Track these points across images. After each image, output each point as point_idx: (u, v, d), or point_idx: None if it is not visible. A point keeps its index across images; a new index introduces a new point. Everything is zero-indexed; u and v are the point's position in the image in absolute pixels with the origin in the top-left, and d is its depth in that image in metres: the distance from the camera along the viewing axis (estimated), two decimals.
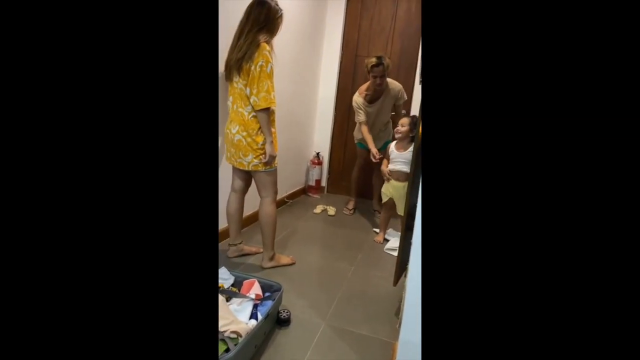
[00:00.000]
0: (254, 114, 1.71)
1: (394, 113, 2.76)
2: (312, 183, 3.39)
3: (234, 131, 1.75)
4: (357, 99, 2.62)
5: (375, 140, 2.65)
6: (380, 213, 2.81)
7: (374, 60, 2.44)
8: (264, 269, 1.92)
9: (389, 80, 2.62)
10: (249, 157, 1.76)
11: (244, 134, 1.73)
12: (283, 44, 2.42)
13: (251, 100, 1.68)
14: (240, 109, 1.73)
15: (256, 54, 1.62)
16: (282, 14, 1.75)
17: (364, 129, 2.62)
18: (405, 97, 2.71)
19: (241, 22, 1.71)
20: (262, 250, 2.00)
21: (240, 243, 2.03)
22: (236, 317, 1.29)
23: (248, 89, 1.67)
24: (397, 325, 1.45)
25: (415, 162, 1.72)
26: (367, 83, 2.62)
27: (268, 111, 1.69)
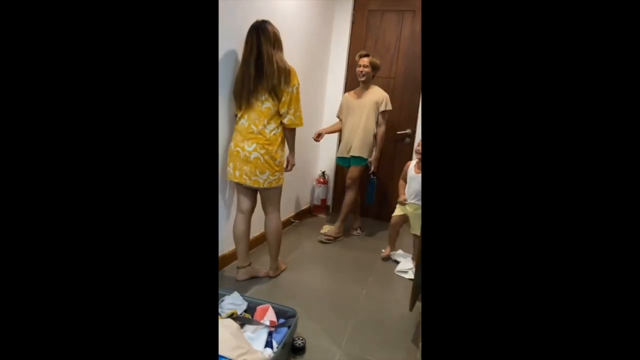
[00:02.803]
0: (276, 131, 1.79)
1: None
2: (318, 202, 3.35)
3: (249, 149, 1.76)
4: (345, 98, 2.79)
5: (349, 146, 2.71)
6: (357, 231, 2.92)
7: (361, 53, 2.65)
8: (271, 277, 2.05)
9: (376, 87, 2.72)
10: (266, 174, 1.80)
11: (263, 151, 1.77)
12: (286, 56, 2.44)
13: (286, 120, 1.80)
14: (261, 127, 1.77)
15: (291, 77, 1.75)
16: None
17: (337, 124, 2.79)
18: (390, 107, 2.70)
19: (248, 49, 1.75)
20: (271, 273, 2.05)
21: (249, 265, 1.99)
22: (251, 345, 1.24)
23: (283, 109, 1.78)
24: (418, 355, 1.40)
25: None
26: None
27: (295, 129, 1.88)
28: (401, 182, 2.39)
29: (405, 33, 3.14)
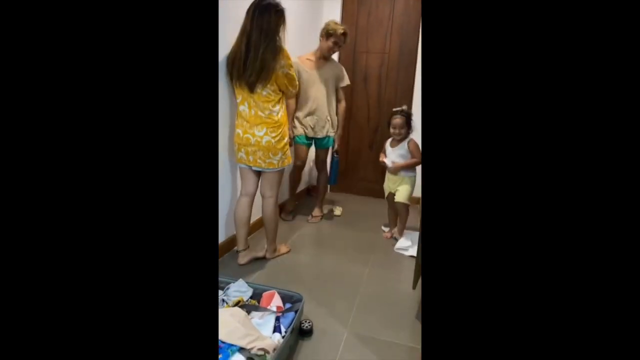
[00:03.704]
0: (282, 111, 1.85)
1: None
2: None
3: (260, 134, 1.80)
4: (297, 65, 2.33)
5: (310, 127, 2.50)
6: (319, 218, 2.76)
7: (343, 29, 2.35)
8: (268, 259, 2.06)
9: (333, 59, 2.55)
10: (279, 155, 1.86)
11: (274, 134, 1.81)
12: (283, 36, 2.36)
13: (290, 95, 1.95)
14: (267, 112, 1.80)
15: (283, 59, 1.75)
16: (284, 16, 1.75)
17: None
18: (348, 81, 2.59)
19: (242, 29, 1.72)
20: (267, 254, 2.08)
21: (247, 247, 2.01)
22: (260, 332, 1.26)
23: (288, 91, 1.87)
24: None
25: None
26: (312, 52, 2.48)
27: None
28: (381, 154, 2.46)
29: (398, 7, 3.05)
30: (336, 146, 2.67)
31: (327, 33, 2.36)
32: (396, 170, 2.33)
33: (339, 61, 3.26)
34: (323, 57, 2.47)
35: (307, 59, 2.46)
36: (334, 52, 2.47)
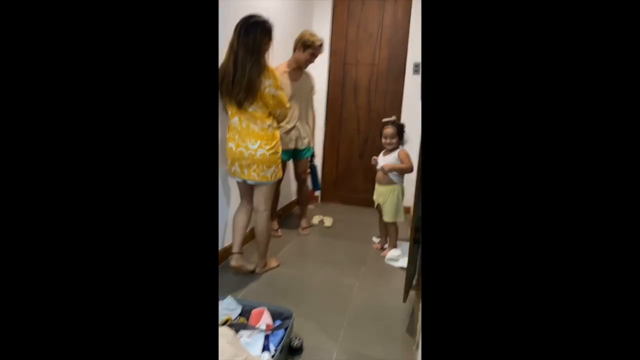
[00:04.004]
0: (273, 126, 1.85)
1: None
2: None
3: (254, 147, 1.79)
4: (282, 77, 2.25)
5: (293, 140, 2.45)
6: (309, 228, 2.74)
7: (320, 40, 2.31)
8: (258, 274, 2.04)
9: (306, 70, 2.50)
10: (272, 168, 1.87)
11: (267, 147, 1.81)
12: (269, 54, 2.38)
13: (279, 116, 1.89)
14: (260, 126, 1.80)
15: (269, 78, 1.75)
16: (271, 35, 1.77)
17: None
18: (316, 90, 2.60)
19: (230, 45, 1.73)
20: (258, 269, 2.06)
21: (242, 253, 2.00)
22: (249, 352, 1.24)
23: (275, 111, 1.84)
24: (414, 347, 1.42)
25: (419, 173, 1.70)
26: (287, 62, 2.40)
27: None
28: (374, 157, 2.44)
29: (387, 19, 3.10)
30: (314, 156, 2.70)
31: (303, 44, 2.28)
32: (386, 170, 2.29)
33: (328, 72, 3.29)
34: (299, 68, 2.41)
35: (284, 71, 2.36)
36: (310, 63, 2.41)
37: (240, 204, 2.01)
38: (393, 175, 2.33)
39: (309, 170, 2.76)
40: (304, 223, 2.76)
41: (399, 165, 2.28)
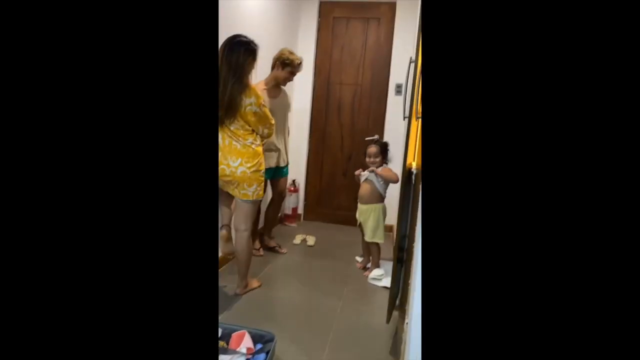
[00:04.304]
0: (256, 143, 1.84)
1: None
2: (289, 212, 3.32)
3: (235, 164, 1.78)
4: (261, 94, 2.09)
5: (275, 158, 2.43)
6: (261, 249, 2.61)
7: (300, 59, 2.33)
8: (237, 295, 1.98)
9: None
10: (254, 187, 1.84)
11: (249, 164, 1.79)
12: (254, 72, 2.39)
13: (264, 135, 1.88)
14: (241, 143, 1.79)
15: (249, 96, 1.75)
16: (255, 55, 1.78)
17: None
18: (291, 108, 2.60)
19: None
20: (238, 290, 2.00)
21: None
22: None
23: (257, 128, 1.83)
24: None
25: (402, 191, 1.71)
26: (265, 79, 2.37)
27: None
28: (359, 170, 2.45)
29: (370, 40, 3.17)
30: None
31: (283, 63, 2.28)
32: (378, 173, 2.29)
33: (313, 91, 3.32)
34: (277, 85, 2.40)
35: (262, 89, 2.30)
36: (289, 81, 2.42)
37: (222, 226, 1.96)
38: (375, 195, 2.34)
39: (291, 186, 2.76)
40: (272, 243, 2.67)
41: (387, 172, 2.29)
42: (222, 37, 1.75)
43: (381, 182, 2.32)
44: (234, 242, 1.96)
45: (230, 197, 1.92)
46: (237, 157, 1.78)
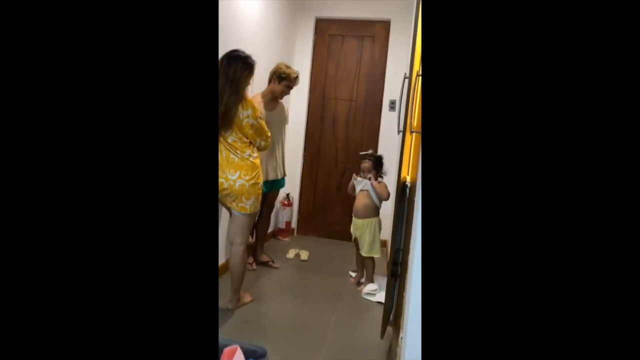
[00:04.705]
0: (254, 156, 1.84)
1: None
2: (282, 226, 3.29)
3: (234, 177, 1.78)
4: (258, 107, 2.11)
5: (272, 171, 2.44)
6: (254, 264, 2.56)
7: (296, 73, 2.36)
8: (230, 310, 1.95)
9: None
10: (252, 200, 1.84)
11: (247, 177, 1.79)
12: (250, 87, 2.41)
13: (261, 146, 1.89)
14: (239, 156, 1.80)
15: (246, 108, 1.77)
16: (252, 69, 1.81)
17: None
18: (288, 121, 2.62)
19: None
20: (230, 305, 1.97)
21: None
22: None
23: (254, 140, 1.84)
24: None
25: (397, 204, 1.71)
26: (262, 92, 2.39)
27: None
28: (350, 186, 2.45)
29: (365, 57, 3.24)
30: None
31: (279, 77, 2.30)
32: (373, 182, 2.28)
33: (308, 106, 3.35)
34: (274, 99, 2.42)
35: (259, 102, 2.32)
36: (286, 95, 2.44)
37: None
38: (370, 209, 2.33)
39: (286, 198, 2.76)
40: (264, 257, 2.64)
41: (380, 188, 2.29)
42: (221, 52, 1.78)
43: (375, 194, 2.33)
44: (228, 255, 1.94)
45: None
46: (235, 170, 1.79)
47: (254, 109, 1.79)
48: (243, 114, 1.75)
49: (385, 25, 3.16)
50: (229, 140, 1.79)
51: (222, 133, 1.78)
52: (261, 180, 1.88)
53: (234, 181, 1.78)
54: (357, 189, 2.38)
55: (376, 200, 2.34)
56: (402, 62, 2.97)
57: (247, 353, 1.39)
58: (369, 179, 2.31)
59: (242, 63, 1.75)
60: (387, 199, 2.31)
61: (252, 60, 1.80)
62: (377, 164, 2.35)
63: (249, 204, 1.84)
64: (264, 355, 1.38)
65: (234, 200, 1.82)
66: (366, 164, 2.33)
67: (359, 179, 2.37)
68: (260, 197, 1.90)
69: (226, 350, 1.37)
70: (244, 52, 1.80)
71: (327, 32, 3.28)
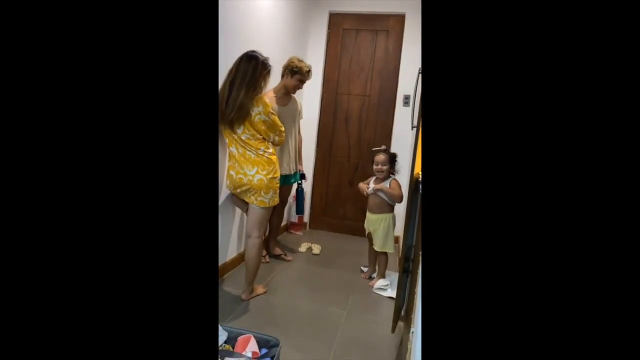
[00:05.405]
0: (269, 151, 1.88)
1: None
2: (295, 219, 3.33)
3: (252, 173, 1.83)
4: (270, 102, 2.09)
5: (286, 165, 2.47)
6: (267, 256, 2.60)
7: (308, 67, 2.36)
8: (243, 300, 1.99)
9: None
10: (270, 193, 1.89)
11: (265, 172, 1.84)
12: (263, 89, 2.44)
13: (276, 142, 1.94)
14: (255, 152, 1.84)
15: (258, 105, 1.80)
16: (269, 70, 1.84)
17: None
18: (302, 116, 2.62)
19: (228, 73, 1.80)
20: (244, 296, 2.00)
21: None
22: None
23: (267, 136, 1.89)
24: None
25: (409, 201, 1.72)
26: (275, 88, 2.40)
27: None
28: (362, 184, 2.44)
29: (379, 52, 3.22)
30: (305, 179, 2.73)
31: (292, 71, 2.31)
32: (376, 189, 2.29)
33: (321, 101, 3.36)
34: (287, 93, 2.43)
35: (272, 97, 2.35)
36: (299, 89, 2.44)
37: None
38: (384, 205, 2.33)
39: (296, 193, 2.77)
40: (277, 250, 2.69)
41: (389, 189, 2.28)
42: (233, 47, 1.81)
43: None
44: (244, 247, 1.98)
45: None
46: (252, 165, 1.84)
47: (264, 105, 1.82)
48: (254, 111, 1.79)
49: (400, 19, 3.13)
50: (243, 138, 1.83)
51: (235, 129, 1.81)
52: (278, 174, 1.92)
53: (252, 176, 1.83)
54: (368, 194, 2.36)
55: (389, 200, 2.34)
56: (417, 56, 2.94)
57: (260, 342, 1.42)
58: (376, 190, 2.30)
59: (260, 62, 1.80)
60: (400, 200, 2.30)
61: (269, 64, 1.85)
62: (392, 160, 2.34)
63: (267, 198, 1.88)
64: (276, 345, 1.41)
65: (252, 195, 1.87)
66: (381, 157, 2.29)
67: (368, 190, 2.35)
68: (278, 191, 1.94)
69: (240, 338, 1.41)
70: (261, 54, 1.84)
71: (341, 26, 3.27)
